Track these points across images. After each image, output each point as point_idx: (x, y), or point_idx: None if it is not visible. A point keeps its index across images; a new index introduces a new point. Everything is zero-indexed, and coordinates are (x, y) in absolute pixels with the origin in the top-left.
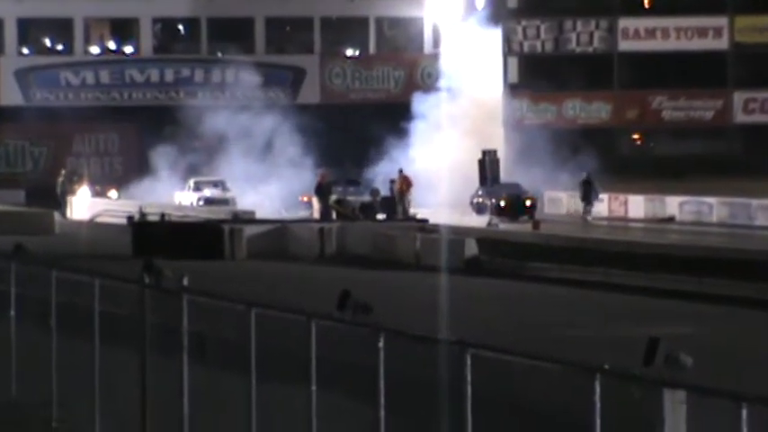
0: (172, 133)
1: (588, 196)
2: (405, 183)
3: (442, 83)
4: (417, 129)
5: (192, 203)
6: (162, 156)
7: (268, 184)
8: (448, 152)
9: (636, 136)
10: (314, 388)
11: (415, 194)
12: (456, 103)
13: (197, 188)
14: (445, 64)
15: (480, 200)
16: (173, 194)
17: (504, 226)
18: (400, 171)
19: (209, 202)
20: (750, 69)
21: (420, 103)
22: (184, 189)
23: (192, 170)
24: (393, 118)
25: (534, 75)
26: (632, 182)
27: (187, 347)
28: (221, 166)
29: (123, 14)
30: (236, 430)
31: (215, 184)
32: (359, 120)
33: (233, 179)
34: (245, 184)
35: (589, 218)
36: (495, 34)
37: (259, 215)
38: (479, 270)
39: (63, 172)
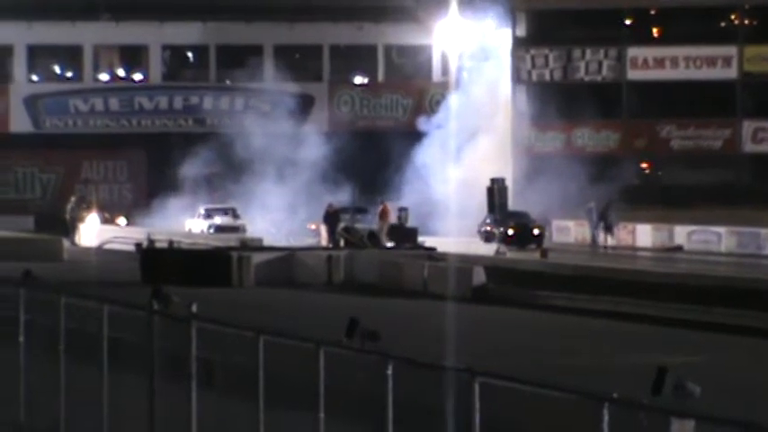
0: (180, 160)
1: (608, 224)
2: (384, 214)
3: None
4: (429, 154)
5: (202, 231)
6: (172, 182)
7: (277, 212)
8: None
9: (644, 165)
10: (322, 415)
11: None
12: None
13: (207, 215)
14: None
15: (488, 228)
16: (183, 222)
17: (512, 254)
18: (382, 202)
19: (219, 229)
20: (759, 99)
21: (428, 128)
22: (195, 216)
23: (202, 196)
24: (405, 145)
25: (543, 103)
26: (640, 211)
27: (195, 374)
28: (231, 192)
29: (132, 42)
30: None
31: (225, 212)
32: (371, 146)
33: (244, 206)
34: (254, 211)
35: (609, 243)
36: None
37: (266, 243)
38: (487, 298)
39: (72, 199)
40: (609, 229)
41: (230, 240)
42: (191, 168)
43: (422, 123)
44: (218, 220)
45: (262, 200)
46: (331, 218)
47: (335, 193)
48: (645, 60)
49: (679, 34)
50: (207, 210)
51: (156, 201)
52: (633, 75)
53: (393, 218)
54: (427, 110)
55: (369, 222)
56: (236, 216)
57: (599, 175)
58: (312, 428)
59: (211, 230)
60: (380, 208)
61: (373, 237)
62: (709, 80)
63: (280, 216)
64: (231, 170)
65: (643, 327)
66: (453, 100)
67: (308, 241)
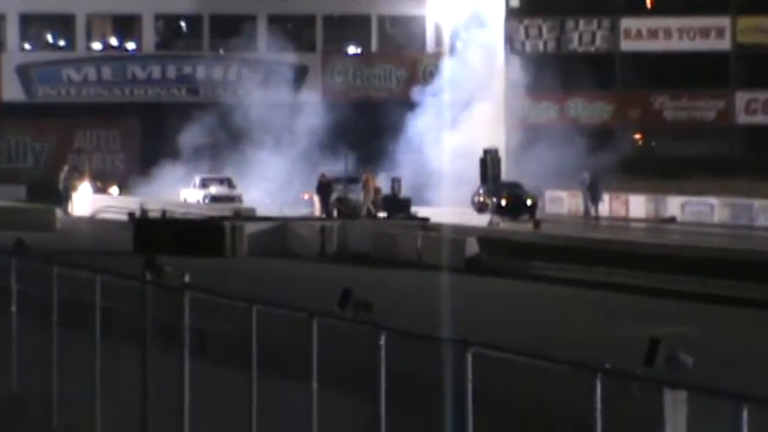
0: (173, 130)
1: (595, 195)
2: (366, 184)
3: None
4: (423, 124)
5: (198, 200)
6: (166, 151)
7: (270, 182)
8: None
9: (638, 136)
10: (315, 385)
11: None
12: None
13: (203, 185)
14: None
15: (481, 199)
16: (178, 191)
17: (505, 225)
18: (367, 171)
19: (215, 199)
20: (752, 70)
21: (421, 98)
22: (190, 186)
23: (197, 166)
24: (399, 115)
25: (537, 74)
26: (634, 182)
27: (188, 344)
28: (225, 162)
29: (125, 11)
30: (237, 427)
31: (221, 182)
32: (365, 116)
33: (238, 176)
34: (248, 181)
35: (594, 213)
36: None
37: (260, 212)
38: (480, 269)
39: (65, 168)
40: (595, 200)
41: (224, 210)
42: (184, 138)
43: (415, 93)
44: (213, 189)
45: (255, 170)
46: (324, 188)
47: (329, 164)
48: (638, 31)
49: (672, 5)
50: (203, 179)
51: (149, 170)
52: (626, 45)
53: (377, 188)
54: (421, 80)
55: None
56: (231, 186)
57: (592, 146)
58: (305, 398)
59: (207, 200)
60: (363, 179)
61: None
62: (703, 51)
63: (273, 186)
64: (225, 140)
65: (636, 298)
66: (447, 70)
67: (302, 211)
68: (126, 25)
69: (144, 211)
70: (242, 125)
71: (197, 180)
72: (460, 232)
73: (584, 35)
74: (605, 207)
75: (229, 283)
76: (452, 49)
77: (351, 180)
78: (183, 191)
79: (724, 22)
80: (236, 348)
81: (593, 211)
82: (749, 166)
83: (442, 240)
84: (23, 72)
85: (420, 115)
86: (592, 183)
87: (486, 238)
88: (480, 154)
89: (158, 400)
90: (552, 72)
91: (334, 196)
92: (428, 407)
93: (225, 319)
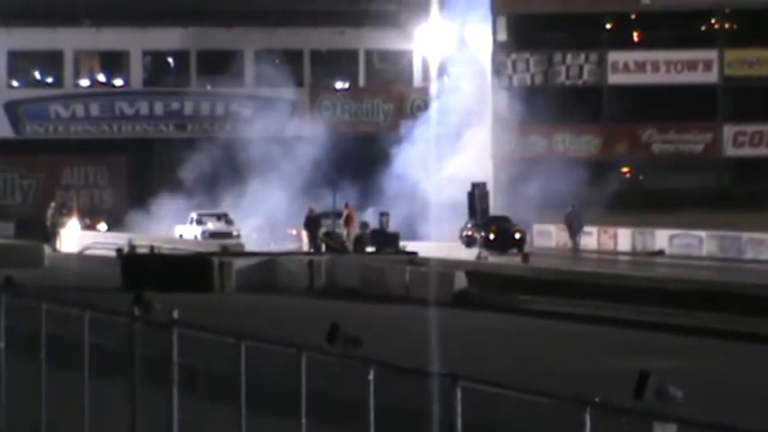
0: (161, 166)
1: (574, 228)
2: (349, 218)
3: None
4: (410, 159)
5: (195, 236)
6: (154, 187)
7: (258, 217)
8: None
9: (625, 169)
10: (304, 420)
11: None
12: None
13: (200, 221)
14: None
15: (470, 233)
16: (172, 228)
17: (494, 259)
18: (346, 205)
19: (213, 235)
20: (740, 103)
21: (409, 133)
22: (186, 222)
23: (186, 202)
24: (386, 150)
25: (524, 108)
26: (622, 215)
27: (177, 380)
28: (214, 198)
29: (113, 47)
30: None
31: (218, 217)
32: (352, 151)
33: (226, 211)
34: (236, 216)
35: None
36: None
37: (248, 248)
38: (469, 303)
39: (52, 204)
40: (573, 234)
41: (211, 246)
42: (172, 174)
43: (403, 128)
44: (211, 225)
45: (243, 204)
46: (312, 222)
47: (317, 198)
48: (625, 64)
49: (660, 38)
50: (199, 215)
51: (139, 206)
52: (614, 79)
53: (365, 223)
54: (408, 115)
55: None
56: (228, 221)
57: (580, 180)
58: None
59: (205, 236)
60: (345, 213)
61: (355, 241)
62: (690, 84)
63: (261, 221)
64: (212, 175)
65: (624, 331)
66: (434, 105)
67: (289, 246)
68: (114, 61)
69: (132, 247)
70: (230, 160)
71: (193, 216)
72: (449, 266)
73: (572, 69)
74: (593, 240)
75: (218, 318)
76: (440, 85)
77: (338, 214)
78: (178, 227)
79: (711, 54)
80: (225, 384)
81: (571, 244)
82: (737, 199)
83: (431, 274)
84: (11, 109)
85: (408, 149)
86: (568, 217)
87: (475, 272)
88: (467, 189)
89: None
90: (540, 105)
91: (322, 231)
92: None
93: (214, 354)
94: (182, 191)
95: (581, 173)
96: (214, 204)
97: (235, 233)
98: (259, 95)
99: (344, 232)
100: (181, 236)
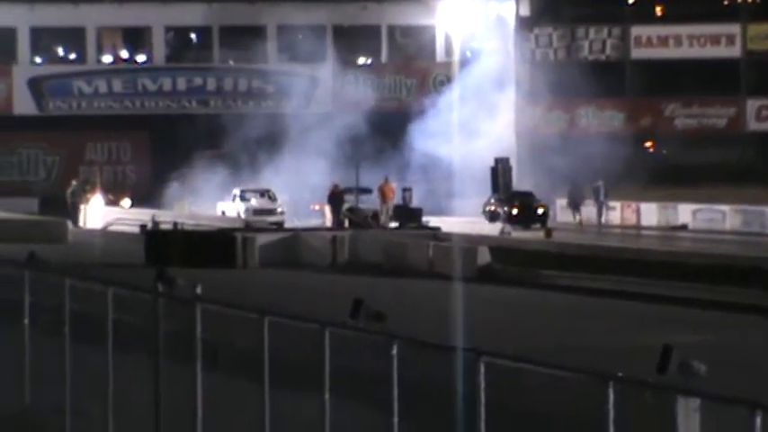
0: (184, 142)
1: (577, 205)
2: (388, 190)
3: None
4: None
5: (238, 213)
6: (176, 163)
7: (282, 193)
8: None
9: (648, 144)
10: (327, 396)
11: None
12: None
13: (243, 198)
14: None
15: (493, 208)
16: (215, 204)
17: (517, 234)
18: (386, 178)
19: (257, 212)
20: (763, 77)
21: (432, 108)
22: (229, 199)
23: (208, 178)
24: (410, 125)
25: (547, 83)
26: (645, 190)
27: (200, 356)
28: (239, 173)
29: (135, 23)
30: None
31: (261, 194)
32: (375, 126)
33: (253, 186)
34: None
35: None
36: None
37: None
38: (492, 278)
39: (73, 182)
40: (577, 209)
41: (235, 222)
42: (195, 150)
43: (426, 103)
44: (254, 202)
45: (267, 181)
46: (335, 198)
47: (340, 174)
48: (648, 39)
49: (682, 13)
50: (242, 192)
51: (160, 183)
52: (637, 53)
53: (395, 197)
54: (431, 90)
55: (373, 203)
56: (272, 198)
57: (603, 154)
58: (317, 409)
59: (249, 213)
60: (381, 187)
61: (376, 217)
62: (713, 58)
63: (284, 197)
64: (236, 151)
65: (647, 306)
66: (457, 80)
67: (313, 222)
68: (136, 38)
69: (155, 224)
70: (253, 136)
71: (236, 192)
72: (472, 241)
73: (595, 43)
74: (617, 215)
75: (241, 294)
76: (463, 60)
77: (362, 190)
78: (219, 204)
79: (734, 29)
80: (248, 360)
81: (575, 219)
82: (760, 173)
83: (454, 249)
84: (35, 85)
85: (430, 125)
86: (571, 193)
87: (498, 247)
88: (490, 164)
89: (171, 411)
90: (563, 80)
91: (345, 206)
92: (441, 416)
93: (237, 330)
94: (204, 166)
95: (604, 147)
96: (237, 181)
97: (279, 209)
98: (281, 71)
99: (382, 209)
100: (223, 212)
